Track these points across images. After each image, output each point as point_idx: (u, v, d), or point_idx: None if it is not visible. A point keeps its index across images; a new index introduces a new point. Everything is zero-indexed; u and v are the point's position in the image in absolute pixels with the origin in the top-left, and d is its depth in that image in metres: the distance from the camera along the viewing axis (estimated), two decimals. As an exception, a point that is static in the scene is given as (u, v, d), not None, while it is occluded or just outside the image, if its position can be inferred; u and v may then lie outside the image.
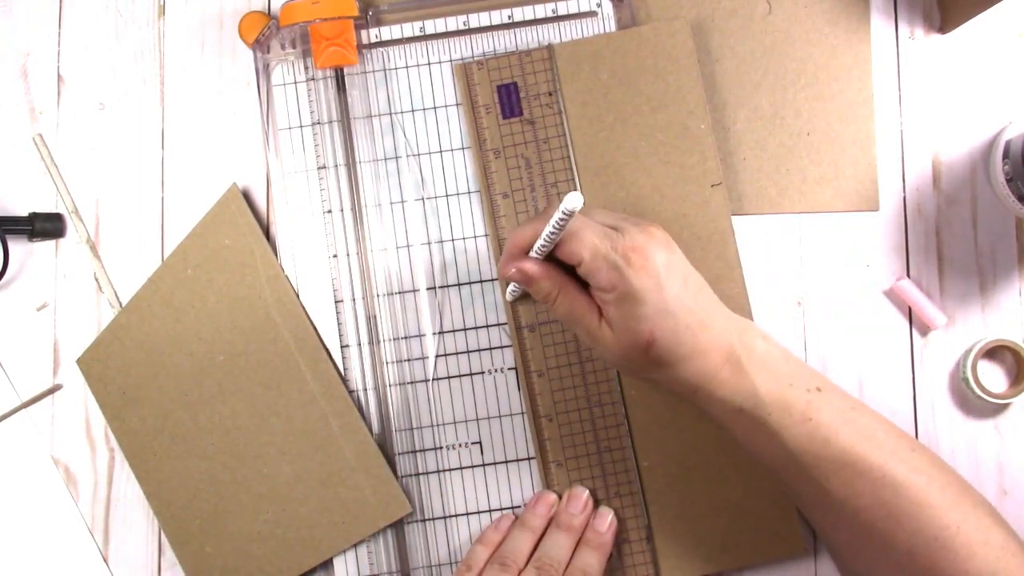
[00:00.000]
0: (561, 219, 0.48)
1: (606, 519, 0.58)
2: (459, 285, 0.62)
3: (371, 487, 0.59)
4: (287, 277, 0.61)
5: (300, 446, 0.60)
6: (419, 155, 0.62)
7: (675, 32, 0.61)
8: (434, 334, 0.61)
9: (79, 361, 0.62)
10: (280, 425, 0.60)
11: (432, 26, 0.62)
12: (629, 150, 0.61)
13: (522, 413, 0.61)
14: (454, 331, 0.61)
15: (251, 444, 0.60)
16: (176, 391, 0.61)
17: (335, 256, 0.61)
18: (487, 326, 0.61)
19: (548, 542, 0.57)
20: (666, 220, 0.60)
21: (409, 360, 0.61)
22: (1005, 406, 0.61)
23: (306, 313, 0.61)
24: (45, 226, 0.62)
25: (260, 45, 0.62)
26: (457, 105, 0.62)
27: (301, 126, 0.62)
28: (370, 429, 0.60)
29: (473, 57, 0.62)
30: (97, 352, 0.62)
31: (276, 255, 0.61)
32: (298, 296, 0.61)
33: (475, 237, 0.62)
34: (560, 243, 0.51)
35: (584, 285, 0.53)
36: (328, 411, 0.60)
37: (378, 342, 0.61)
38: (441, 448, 0.61)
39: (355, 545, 0.60)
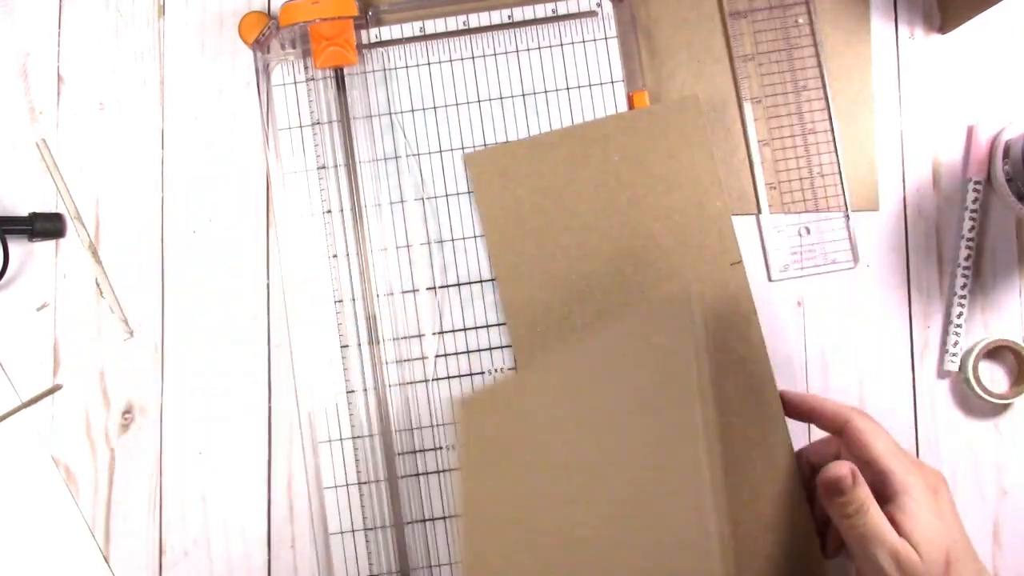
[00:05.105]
0: None
1: None
2: (459, 285, 0.62)
3: None
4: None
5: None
6: (419, 155, 0.62)
7: (686, 109, 0.60)
8: (434, 334, 0.61)
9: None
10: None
11: (432, 26, 0.62)
12: (644, 232, 0.59)
13: (522, 413, 0.61)
14: (454, 331, 0.61)
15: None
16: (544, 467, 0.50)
17: (335, 256, 0.61)
18: (487, 326, 0.61)
19: None
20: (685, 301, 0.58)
21: (409, 360, 0.61)
22: (1005, 406, 0.61)
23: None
24: (45, 226, 0.62)
25: (260, 45, 0.62)
26: (457, 105, 0.62)
27: (301, 126, 0.62)
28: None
29: (473, 57, 0.62)
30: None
31: (275, 255, 0.61)
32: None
33: (475, 237, 0.62)
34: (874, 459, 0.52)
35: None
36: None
37: (378, 342, 0.61)
38: (441, 448, 0.61)
39: (355, 545, 0.60)
